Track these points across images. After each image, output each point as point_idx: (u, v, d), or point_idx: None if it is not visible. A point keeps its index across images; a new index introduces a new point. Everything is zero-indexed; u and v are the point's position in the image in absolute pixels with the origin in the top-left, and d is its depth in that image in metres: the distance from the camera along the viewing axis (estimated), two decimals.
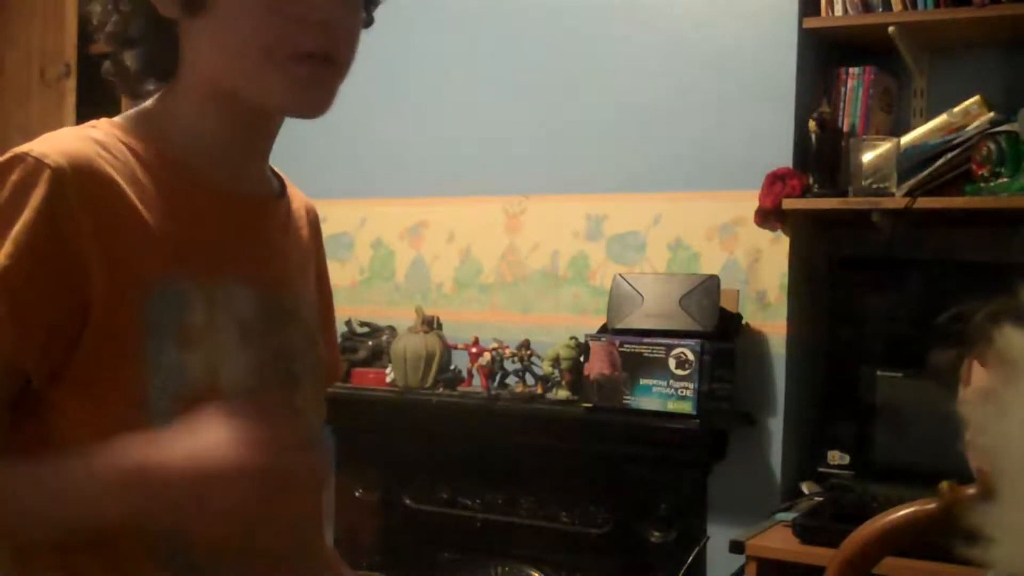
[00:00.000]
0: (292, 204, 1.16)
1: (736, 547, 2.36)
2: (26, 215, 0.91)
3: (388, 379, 3.00)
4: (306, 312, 1.15)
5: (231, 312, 1.03)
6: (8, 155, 0.95)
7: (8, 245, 0.91)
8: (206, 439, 0.88)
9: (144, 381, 0.96)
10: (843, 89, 2.68)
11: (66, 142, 0.97)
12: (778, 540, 2.37)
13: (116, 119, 1.05)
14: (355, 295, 3.27)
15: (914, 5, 2.52)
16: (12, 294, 0.91)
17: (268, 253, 1.10)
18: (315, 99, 1.02)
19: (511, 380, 2.91)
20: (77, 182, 0.94)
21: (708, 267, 2.77)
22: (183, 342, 0.98)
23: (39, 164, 0.93)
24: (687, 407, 2.56)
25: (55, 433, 0.97)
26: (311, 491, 1.11)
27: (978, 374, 1.26)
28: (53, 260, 0.92)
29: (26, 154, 0.94)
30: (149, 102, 1.06)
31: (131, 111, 1.06)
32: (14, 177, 0.93)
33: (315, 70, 1.00)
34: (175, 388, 0.97)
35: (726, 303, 2.69)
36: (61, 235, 0.92)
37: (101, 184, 0.95)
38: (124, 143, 1.01)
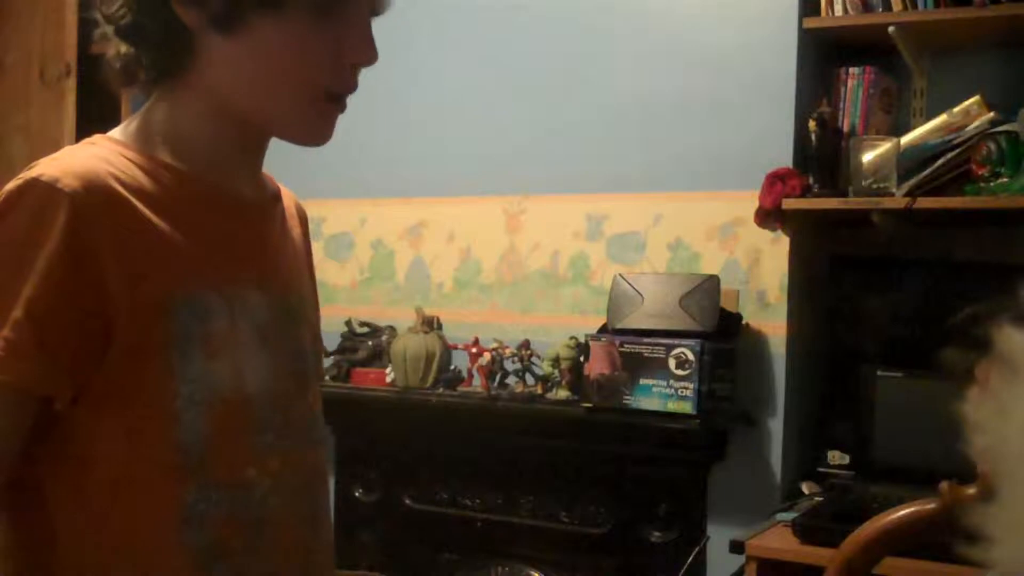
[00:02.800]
0: (285, 204, 1.17)
1: (736, 547, 2.35)
2: (49, 245, 0.91)
3: (388, 379, 3.00)
4: (308, 311, 1.16)
5: (249, 317, 1.03)
6: (19, 181, 0.94)
7: (34, 276, 0.91)
8: None
9: (172, 392, 0.96)
10: (843, 89, 2.68)
11: (75, 163, 0.96)
12: (778, 540, 2.36)
13: (112, 134, 1.04)
14: (355, 295, 3.26)
15: (914, 5, 2.52)
16: (40, 324, 0.91)
17: (273, 256, 1.11)
18: (326, 134, 1.05)
19: (511, 380, 2.91)
20: (94, 205, 0.93)
21: (708, 267, 2.77)
22: (208, 351, 0.98)
23: (54, 190, 0.92)
24: (687, 407, 2.56)
25: (80, 452, 0.97)
26: (317, 488, 1.12)
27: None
28: (77, 289, 0.92)
29: (37, 179, 0.93)
30: (143, 112, 1.05)
31: (127, 124, 1.05)
32: (31, 204, 0.93)
33: (334, 109, 1.03)
34: (202, 397, 0.98)
35: (726, 303, 2.69)
36: (83, 263, 0.92)
37: (116, 203, 0.95)
38: (127, 158, 1.00)
